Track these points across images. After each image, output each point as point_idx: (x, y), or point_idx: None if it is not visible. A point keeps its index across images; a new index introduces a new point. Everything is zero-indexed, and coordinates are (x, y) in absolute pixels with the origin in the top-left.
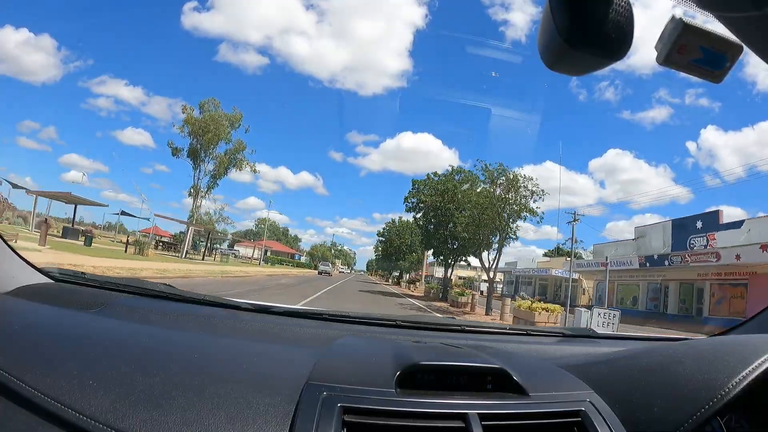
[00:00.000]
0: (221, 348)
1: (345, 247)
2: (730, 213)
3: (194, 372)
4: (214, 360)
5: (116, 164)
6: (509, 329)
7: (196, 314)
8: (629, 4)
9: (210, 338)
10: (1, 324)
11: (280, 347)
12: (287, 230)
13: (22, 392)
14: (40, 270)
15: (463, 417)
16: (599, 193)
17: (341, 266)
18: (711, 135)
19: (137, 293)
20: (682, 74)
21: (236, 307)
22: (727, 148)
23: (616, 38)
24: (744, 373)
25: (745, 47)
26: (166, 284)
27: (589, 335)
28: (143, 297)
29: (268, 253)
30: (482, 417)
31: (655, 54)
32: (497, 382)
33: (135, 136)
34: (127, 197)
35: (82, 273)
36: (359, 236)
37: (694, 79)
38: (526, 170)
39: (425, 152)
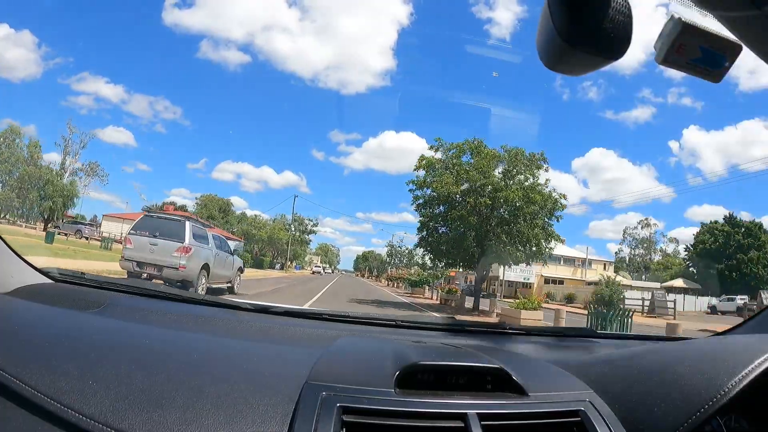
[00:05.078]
0: (221, 348)
1: (326, 243)
2: (713, 212)
3: (194, 372)
4: (213, 360)
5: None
6: (509, 329)
7: (195, 314)
8: (628, 4)
9: (210, 338)
10: (1, 324)
11: (279, 347)
12: (229, 204)
13: (22, 392)
14: (39, 270)
15: (462, 417)
16: (582, 191)
17: (317, 265)
18: (693, 134)
19: (137, 293)
20: (666, 74)
21: (236, 307)
22: (710, 148)
23: (615, 38)
24: (744, 373)
25: (744, 47)
26: (165, 284)
27: (589, 335)
28: (143, 297)
29: None
30: (482, 417)
31: (640, 53)
32: (497, 382)
33: (116, 135)
34: (109, 197)
35: (82, 273)
36: (343, 236)
37: (676, 79)
38: None
39: (409, 151)
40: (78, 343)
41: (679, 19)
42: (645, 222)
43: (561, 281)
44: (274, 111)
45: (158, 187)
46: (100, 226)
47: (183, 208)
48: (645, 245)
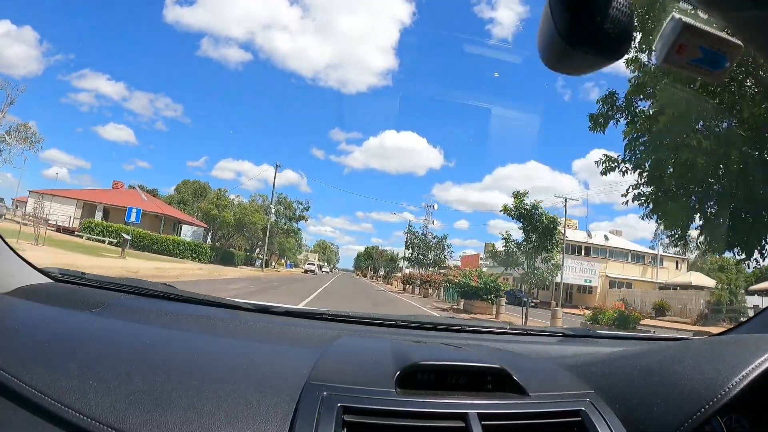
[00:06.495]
0: (221, 348)
1: (325, 240)
2: None
3: (194, 372)
4: (214, 360)
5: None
6: (509, 329)
7: (196, 314)
8: (629, 4)
9: (210, 338)
10: (1, 324)
11: (280, 347)
12: (206, 188)
13: (22, 392)
14: (40, 270)
15: (463, 417)
16: (583, 193)
17: (311, 262)
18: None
19: (137, 293)
20: None
21: (236, 307)
22: None
23: (616, 37)
24: (744, 373)
25: (744, 47)
26: (166, 284)
27: (589, 335)
28: (143, 297)
29: (94, 216)
30: (482, 417)
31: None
32: (497, 381)
33: (116, 132)
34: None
35: (82, 273)
36: (342, 235)
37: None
38: (511, 169)
39: (409, 150)
40: (78, 343)
41: (680, 19)
42: None
43: (629, 284)
44: (274, 109)
45: (158, 184)
46: (24, 205)
47: (154, 192)
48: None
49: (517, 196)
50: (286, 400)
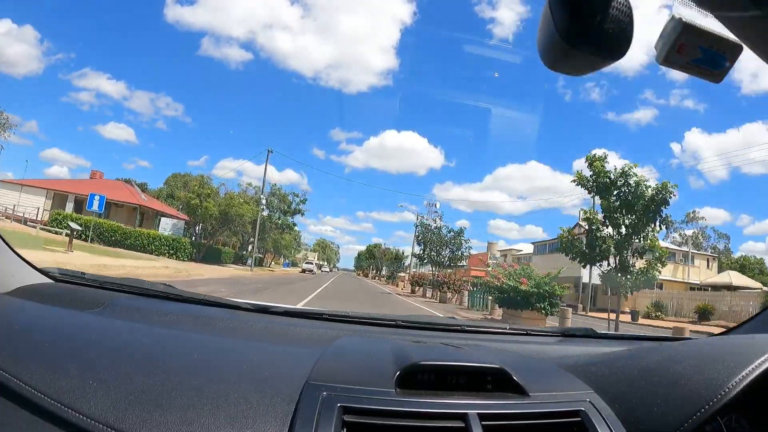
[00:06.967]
0: (221, 348)
1: (325, 239)
2: (715, 214)
3: (194, 372)
4: (213, 360)
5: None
6: (509, 329)
7: (196, 314)
8: (629, 4)
9: (210, 338)
10: (1, 324)
11: (279, 347)
12: (188, 177)
13: (22, 392)
14: (40, 270)
15: (462, 417)
16: (583, 193)
17: (309, 261)
18: (695, 137)
19: (137, 293)
20: (668, 77)
21: (236, 307)
22: (711, 150)
23: (616, 37)
24: (744, 373)
25: (744, 47)
26: (166, 284)
27: (589, 335)
28: (143, 297)
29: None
30: (482, 417)
31: (642, 55)
32: (497, 381)
33: (117, 131)
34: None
35: (82, 273)
36: (343, 234)
37: (678, 81)
38: (511, 170)
39: (410, 150)
40: (78, 343)
41: (680, 19)
42: (692, 216)
43: (659, 284)
44: (275, 109)
45: (158, 183)
46: None
47: (143, 186)
48: (693, 241)
49: (596, 160)
50: (285, 401)
